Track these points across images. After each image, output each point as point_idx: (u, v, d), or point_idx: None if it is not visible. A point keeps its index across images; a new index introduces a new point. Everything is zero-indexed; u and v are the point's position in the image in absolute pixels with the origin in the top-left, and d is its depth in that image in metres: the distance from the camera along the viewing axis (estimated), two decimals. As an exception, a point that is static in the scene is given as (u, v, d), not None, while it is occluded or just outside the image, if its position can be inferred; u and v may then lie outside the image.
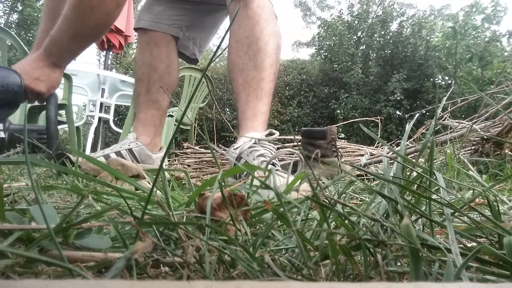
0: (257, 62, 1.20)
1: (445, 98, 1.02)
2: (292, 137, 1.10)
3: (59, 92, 3.19)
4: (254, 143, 1.07)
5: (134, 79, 1.55)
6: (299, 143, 1.51)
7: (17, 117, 2.57)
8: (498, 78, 2.84)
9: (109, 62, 4.45)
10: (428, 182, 0.40)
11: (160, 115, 1.48)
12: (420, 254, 0.26)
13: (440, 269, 0.28)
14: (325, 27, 10.94)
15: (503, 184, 0.78)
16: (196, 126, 3.29)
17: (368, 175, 1.14)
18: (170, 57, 1.49)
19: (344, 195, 0.70)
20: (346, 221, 0.35)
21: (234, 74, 1.24)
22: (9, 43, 2.57)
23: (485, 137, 1.30)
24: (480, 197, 0.52)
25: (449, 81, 10.09)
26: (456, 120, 2.04)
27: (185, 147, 2.17)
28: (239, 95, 1.23)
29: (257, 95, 1.19)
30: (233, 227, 0.37)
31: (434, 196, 0.40)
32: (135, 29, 1.55)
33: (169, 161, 1.91)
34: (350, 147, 2.13)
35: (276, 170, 1.01)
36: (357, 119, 3.18)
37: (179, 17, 1.49)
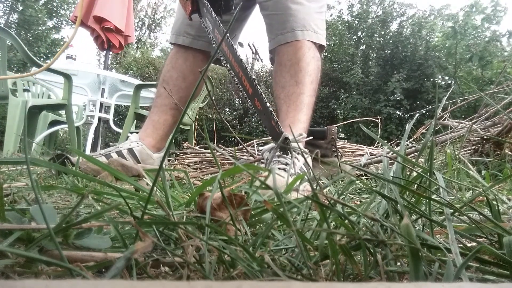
0: (298, 79, 1.29)
1: (445, 98, 1.02)
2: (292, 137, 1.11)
3: (59, 92, 3.20)
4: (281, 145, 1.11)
5: (158, 80, 1.54)
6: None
7: (17, 117, 2.57)
8: (498, 78, 2.84)
9: (109, 62, 4.45)
10: (428, 182, 0.40)
11: (172, 123, 1.48)
12: (420, 254, 0.26)
13: (440, 269, 0.28)
14: (325, 27, 10.91)
15: (502, 184, 0.78)
16: (196, 126, 3.28)
17: (368, 175, 1.14)
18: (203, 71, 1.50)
19: (344, 195, 0.70)
20: (346, 221, 0.35)
21: (277, 92, 1.34)
22: (9, 43, 2.57)
23: (485, 137, 1.30)
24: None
25: (449, 81, 10.08)
26: (456, 120, 2.04)
27: (185, 147, 2.17)
28: (280, 108, 1.31)
29: (297, 107, 1.27)
30: (233, 227, 0.37)
31: (434, 196, 0.40)
32: (172, 44, 1.54)
33: (169, 161, 1.90)
34: (350, 147, 2.13)
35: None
36: (357, 119, 3.18)
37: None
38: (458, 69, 9.73)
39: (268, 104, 1.08)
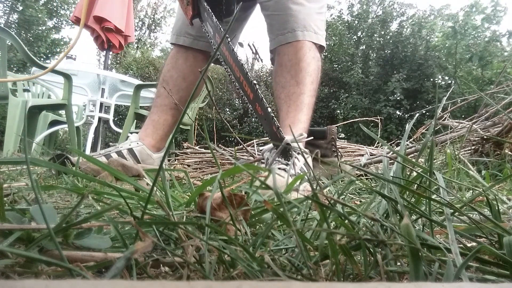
0: (298, 79, 1.30)
1: (445, 98, 1.02)
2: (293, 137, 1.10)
3: (59, 92, 3.20)
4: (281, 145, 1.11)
5: (158, 80, 1.54)
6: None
7: (17, 117, 2.57)
8: (498, 78, 2.84)
9: (109, 62, 4.45)
10: (428, 182, 0.40)
11: (172, 123, 1.48)
12: (420, 254, 0.26)
13: (440, 269, 0.28)
14: (325, 27, 10.90)
15: (502, 184, 0.78)
16: (196, 126, 3.28)
17: (368, 175, 1.14)
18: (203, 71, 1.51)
19: (344, 195, 0.70)
20: (346, 221, 0.35)
21: (277, 92, 1.34)
22: (9, 43, 2.57)
23: (485, 137, 1.30)
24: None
25: (449, 81, 10.08)
26: (456, 120, 2.04)
27: (185, 147, 2.17)
28: (281, 108, 1.31)
29: (297, 107, 1.27)
30: (233, 227, 0.37)
31: (434, 196, 0.40)
32: (173, 44, 1.54)
33: (169, 161, 1.90)
34: (350, 147, 2.13)
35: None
36: (357, 119, 3.18)
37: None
38: (458, 69, 9.73)
39: (269, 109, 1.08)
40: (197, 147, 2.11)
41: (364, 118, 4.89)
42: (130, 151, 1.37)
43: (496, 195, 0.52)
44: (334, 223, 0.39)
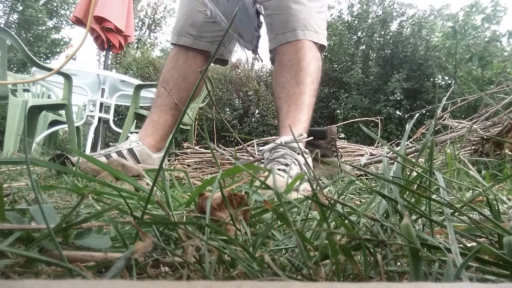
0: (298, 79, 1.29)
1: (445, 98, 1.02)
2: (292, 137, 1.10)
3: (59, 92, 3.19)
4: (281, 145, 1.11)
5: (158, 80, 1.54)
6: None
7: (17, 117, 2.57)
8: (498, 78, 2.84)
9: (109, 62, 4.45)
10: (428, 182, 0.40)
11: (173, 123, 1.48)
12: (420, 254, 0.26)
13: (440, 269, 0.28)
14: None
15: (502, 184, 0.78)
16: (196, 126, 3.28)
17: (368, 175, 1.14)
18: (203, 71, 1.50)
19: (344, 195, 0.70)
20: (346, 221, 0.35)
21: (277, 92, 1.34)
22: (9, 43, 2.57)
23: (485, 137, 1.30)
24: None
25: (449, 81, 10.09)
26: (456, 120, 2.04)
27: (185, 147, 2.17)
28: (281, 108, 1.31)
29: (297, 107, 1.27)
30: (233, 227, 0.37)
31: (434, 196, 0.40)
32: (173, 44, 1.54)
33: (169, 161, 1.90)
34: (350, 147, 2.13)
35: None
36: (357, 119, 3.18)
37: (218, 32, 1.49)
38: (458, 69, 9.73)
39: None
40: (197, 147, 2.11)
41: (364, 118, 4.89)
42: (130, 151, 1.37)
43: (496, 195, 0.52)
44: (334, 223, 0.39)
